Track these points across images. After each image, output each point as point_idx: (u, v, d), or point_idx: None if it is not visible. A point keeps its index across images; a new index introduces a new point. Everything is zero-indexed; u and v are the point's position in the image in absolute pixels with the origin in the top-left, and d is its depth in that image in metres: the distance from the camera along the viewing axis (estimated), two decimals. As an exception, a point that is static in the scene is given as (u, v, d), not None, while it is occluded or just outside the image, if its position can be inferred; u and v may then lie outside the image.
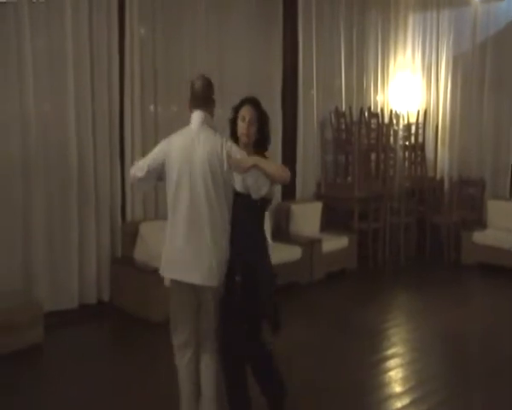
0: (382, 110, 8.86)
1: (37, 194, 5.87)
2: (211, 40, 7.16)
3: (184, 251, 3.53)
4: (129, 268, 6.35)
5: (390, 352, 5.53)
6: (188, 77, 6.75)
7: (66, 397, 4.55)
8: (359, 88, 8.94)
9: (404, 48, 9.51)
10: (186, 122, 6.88)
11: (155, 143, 6.54)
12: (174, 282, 3.65)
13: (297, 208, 7.85)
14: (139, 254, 6.37)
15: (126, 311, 6.22)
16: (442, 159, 9.14)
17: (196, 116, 3.62)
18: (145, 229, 6.42)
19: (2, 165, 5.68)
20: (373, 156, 8.50)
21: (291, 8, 7.98)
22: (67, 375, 4.98)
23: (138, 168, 3.69)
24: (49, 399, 4.57)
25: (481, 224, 8.46)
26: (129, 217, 6.63)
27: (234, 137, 3.64)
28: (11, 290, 5.64)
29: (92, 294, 6.31)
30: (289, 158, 8.05)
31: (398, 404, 4.44)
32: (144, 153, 6.55)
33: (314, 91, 8.32)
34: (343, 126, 8.46)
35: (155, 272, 5.83)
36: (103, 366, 5.20)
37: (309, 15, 8.17)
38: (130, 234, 6.47)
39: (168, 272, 3.71)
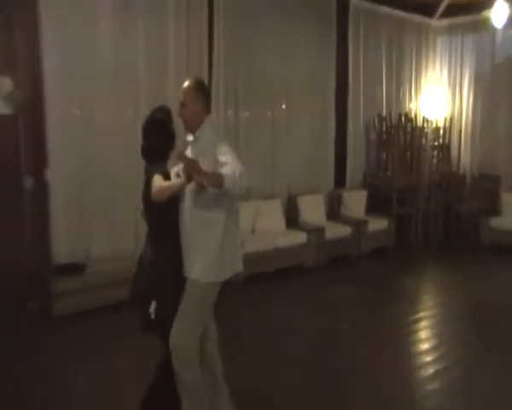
0: (416, 116, 8.95)
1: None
2: (280, 54, 7.31)
3: (239, 251, 3.22)
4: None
5: (422, 314, 5.63)
6: (263, 84, 7.15)
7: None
8: (397, 97, 9.00)
9: (434, 66, 9.54)
10: (263, 125, 7.25)
11: (235, 140, 6.98)
12: (219, 284, 3.10)
13: (347, 195, 8.05)
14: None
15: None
16: (464, 157, 9.13)
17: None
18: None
19: (124, 155, 5.86)
20: (408, 154, 8.64)
21: (343, 30, 8.10)
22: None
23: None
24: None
25: (497, 212, 8.46)
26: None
27: None
28: (126, 253, 5.86)
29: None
30: (341, 154, 8.26)
31: (426, 359, 4.53)
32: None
33: (361, 99, 8.46)
34: (384, 129, 8.58)
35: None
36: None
37: (357, 36, 8.29)
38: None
39: (225, 275, 3.09)
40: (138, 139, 5.81)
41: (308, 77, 7.70)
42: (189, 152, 3.12)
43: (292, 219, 7.30)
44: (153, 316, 2.98)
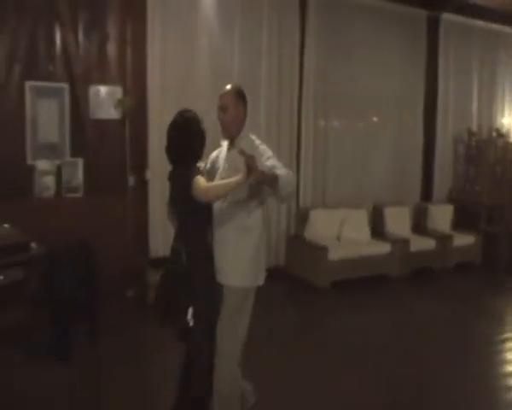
0: (508, 131, 8.60)
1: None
2: (370, 67, 7.31)
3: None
4: (300, 243, 6.70)
5: (510, 335, 5.35)
6: (353, 96, 7.11)
7: (253, 332, 4.88)
8: (488, 112, 8.72)
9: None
10: (351, 136, 7.19)
11: (324, 149, 7.00)
12: (254, 289, 3.08)
13: (433, 208, 7.85)
14: (308, 233, 6.69)
15: (297, 276, 6.58)
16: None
17: None
18: (315, 214, 6.74)
19: None
20: (498, 170, 8.25)
21: (433, 44, 7.96)
22: (254, 316, 5.35)
23: None
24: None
25: None
26: (301, 204, 6.94)
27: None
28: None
29: (272, 260, 6.71)
30: (428, 167, 8.06)
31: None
32: (315, 157, 6.95)
33: (450, 113, 8.24)
34: (473, 143, 8.30)
35: (322, 248, 6.22)
36: (278, 313, 5.57)
37: (447, 50, 8.11)
38: (302, 217, 6.81)
39: (260, 281, 3.09)
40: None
41: (397, 90, 7.70)
42: (222, 158, 3.05)
43: (377, 229, 7.21)
44: (191, 323, 2.86)
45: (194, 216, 2.89)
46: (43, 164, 5.38)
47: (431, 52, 7.96)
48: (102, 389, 3.84)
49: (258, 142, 3.01)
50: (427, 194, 8.06)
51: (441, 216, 7.84)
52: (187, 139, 2.91)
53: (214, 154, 3.18)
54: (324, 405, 3.73)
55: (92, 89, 5.51)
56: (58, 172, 5.43)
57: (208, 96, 6.03)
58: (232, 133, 3.00)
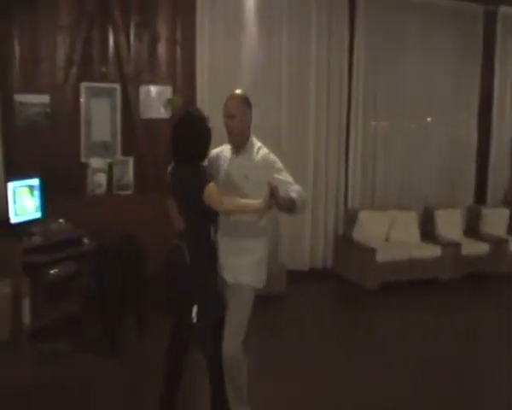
0: None
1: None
2: (421, 68, 7.13)
3: None
4: (348, 245, 6.62)
5: None
6: (403, 95, 6.97)
7: (302, 333, 4.95)
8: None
9: None
10: (401, 136, 7.05)
11: (373, 150, 6.90)
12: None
13: (487, 211, 7.56)
14: (357, 234, 6.60)
15: (344, 277, 6.51)
16: None
17: None
18: (363, 216, 6.65)
19: None
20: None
21: (489, 40, 7.67)
22: (302, 317, 5.37)
23: None
24: (290, 333, 4.98)
25: None
26: (350, 205, 6.86)
27: None
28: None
29: (319, 261, 6.69)
30: (482, 168, 7.80)
31: None
32: (363, 157, 6.86)
33: (507, 113, 7.93)
34: (532, 145, 7.96)
35: (370, 250, 6.13)
36: (326, 315, 5.57)
37: (505, 47, 7.77)
38: (351, 218, 6.73)
39: (265, 282, 3.20)
40: (279, 143, 6.16)
41: (451, 89, 7.47)
42: (225, 161, 3.04)
43: (427, 231, 7.04)
44: (195, 320, 2.89)
45: (200, 217, 2.92)
46: (96, 162, 5.54)
47: (487, 49, 7.67)
48: (149, 379, 3.91)
49: (265, 150, 3.03)
50: (480, 196, 7.78)
51: (496, 220, 7.55)
52: (194, 137, 2.89)
53: (214, 152, 3.14)
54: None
55: (143, 89, 5.64)
56: (110, 170, 5.57)
57: (256, 96, 6.06)
58: (239, 140, 3.01)
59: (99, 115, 5.54)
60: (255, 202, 2.72)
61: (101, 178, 5.57)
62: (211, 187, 2.79)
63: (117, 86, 5.57)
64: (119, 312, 4.39)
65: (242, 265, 2.99)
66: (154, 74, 5.69)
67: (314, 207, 6.58)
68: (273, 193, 2.59)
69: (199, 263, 2.93)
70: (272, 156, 3.01)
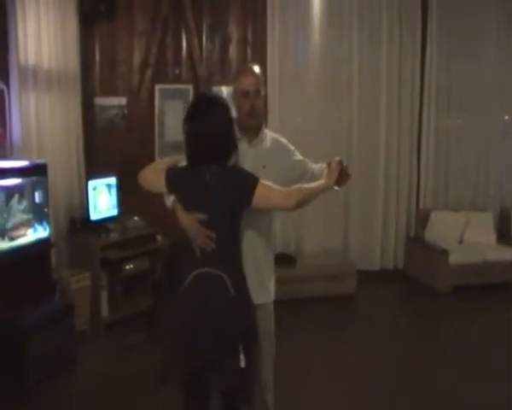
0: None
1: (355, 180, 6.25)
2: (495, 63, 6.71)
3: None
4: (420, 246, 6.44)
5: None
6: (478, 91, 6.66)
7: (374, 334, 4.87)
8: None
9: None
10: (476, 134, 6.74)
11: (446, 148, 6.65)
12: None
13: None
14: (429, 235, 6.41)
15: (415, 279, 6.34)
16: None
17: None
18: (436, 216, 6.45)
19: (334, 157, 6.08)
20: None
21: None
22: (373, 319, 5.29)
23: None
24: (362, 335, 4.88)
25: None
26: (421, 205, 6.67)
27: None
28: (334, 250, 6.13)
29: (390, 261, 6.55)
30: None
31: None
32: (436, 156, 6.63)
33: None
34: None
35: (443, 251, 5.94)
36: (396, 317, 5.42)
37: None
38: (422, 218, 6.54)
39: None
40: (350, 143, 6.09)
41: (502, 82, 6.90)
42: (243, 157, 2.50)
43: (504, 233, 6.72)
44: (243, 363, 2.26)
45: (238, 231, 2.36)
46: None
47: None
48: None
49: (270, 132, 2.68)
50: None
51: None
52: (230, 128, 2.33)
53: None
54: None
55: (215, 89, 5.74)
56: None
57: (326, 96, 6.10)
58: (260, 122, 2.60)
59: (172, 116, 5.70)
60: (319, 182, 2.35)
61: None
62: (263, 183, 2.25)
63: (190, 87, 5.71)
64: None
65: (264, 279, 2.59)
66: (225, 75, 5.76)
67: (385, 207, 6.45)
68: (344, 169, 2.30)
69: (244, 292, 2.35)
70: (281, 138, 2.71)
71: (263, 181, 2.27)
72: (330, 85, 6.03)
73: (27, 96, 4.44)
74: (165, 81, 5.63)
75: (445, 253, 5.98)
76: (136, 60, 5.50)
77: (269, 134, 2.64)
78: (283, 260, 5.74)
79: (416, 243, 6.52)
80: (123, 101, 5.51)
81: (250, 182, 2.27)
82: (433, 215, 6.46)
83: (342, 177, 2.30)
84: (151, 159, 5.60)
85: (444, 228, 6.40)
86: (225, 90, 5.76)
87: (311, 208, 5.78)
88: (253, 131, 2.56)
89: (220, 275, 2.26)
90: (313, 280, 5.63)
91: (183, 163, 2.39)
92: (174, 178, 2.37)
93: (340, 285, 5.71)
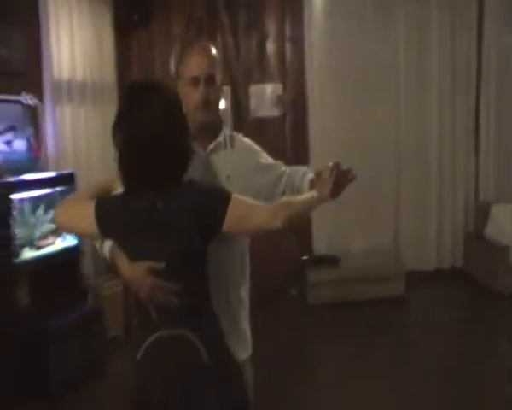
0: None
1: (405, 175, 5.94)
2: None
3: None
4: (480, 242, 5.99)
5: None
6: None
7: (422, 340, 4.57)
8: None
9: None
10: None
11: (507, 138, 6.09)
12: None
13: None
14: (490, 231, 5.94)
15: (474, 278, 5.90)
16: None
17: None
18: (497, 210, 5.97)
19: (381, 151, 5.85)
20: None
21: None
22: (424, 322, 4.98)
23: None
24: (414, 340, 4.61)
25: None
26: (481, 198, 6.20)
27: None
28: (383, 250, 5.85)
29: (447, 260, 6.14)
30: None
31: None
32: (497, 146, 6.08)
33: None
34: None
35: (504, 248, 5.49)
36: (450, 320, 5.08)
37: None
38: (482, 213, 6.07)
39: None
40: (396, 137, 5.76)
41: None
42: (199, 167, 1.92)
43: None
44: None
45: (204, 273, 1.76)
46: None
47: None
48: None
49: (229, 131, 2.16)
50: None
51: None
52: (181, 125, 1.72)
53: None
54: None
55: (252, 88, 5.65)
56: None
57: (369, 89, 5.79)
58: (216, 118, 2.05)
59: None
60: (311, 194, 1.77)
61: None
62: (238, 199, 1.69)
63: (227, 87, 5.64)
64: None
65: (242, 328, 2.09)
66: (263, 73, 5.65)
67: (440, 200, 6.03)
68: (339, 172, 1.70)
69: (224, 355, 1.76)
70: (244, 137, 2.18)
71: (236, 196, 1.70)
72: (376, 76, 5.72)
73: (62, 110, 4.53)
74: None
75: (507, 250, 5.52)
76: (172, 65, 5.51)
77: (228, 134, 2.09)
78: (326, 261, 5.59)
79: (476, 239, 6.07)
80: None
81: (219, 199, 1.68)
82: (494, 209, 5.97)
83: (339, 185, 1.71)
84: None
85: (507, 223, 5.90)
86: (263, 88, 5.67)
87: (356, 204, 5.69)
88: (209, 133, 2.00)
89: (187, 337, 1.67)
90: (358, 282, 5.40)
91: (119, 189, 1.75)
92: (108, 214, 1.70)
93: (388, 287, 5.43)
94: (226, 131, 2.09)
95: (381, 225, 5.95)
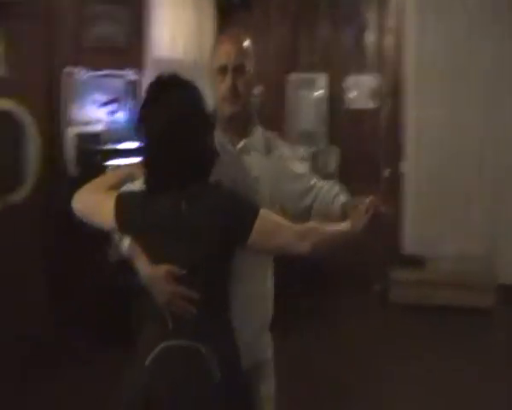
0: None
1: (508, 178, 5.47)
2: None
3: None
4: None
5: None
6: None
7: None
8: None
9: None
10: None
11: None
12: None
13: None
14: None
15: None
16: None
17: None
18: None
19: (480, 150, 5.49)
20: None
21: None
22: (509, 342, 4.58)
23: None
24: (495, 359, 4.20)
25: None
26: None
27: None
28: (475, 257, 5.48)
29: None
30: None
31: None
32: None
33: None
34: None
35: None
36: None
37: None
38: None
39: None
40: (495, 135, 5.33)
41: None
42: (227, 165, 1.78)
43: None
44: None
45: (225, 283, 1.68)
46: (303, 150, 5.67)
47: None
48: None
49: (268, 132, 2.00)
50: None
51: None
52: (206, 123, 1.67)
53: None
54: None
55: (349, 78, 5.56)
56: (314, 159, 5.65)
57: (469, 86, 5.44)
58: (246, 113, 1.89)
59: (304, 105, 5.66)
60: (344, 226, 1.65)
61: (305, 166, 5.69)
62: (266, 214, 1.61)
63: (323, 76, 5.60)
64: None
65: (258, 331, 1.92)
66: (360, 64, 5.54)
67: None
68: (376, 212, 1.60)
69: (237, 376, 1.64)
70: (278, 138, 2.02)
71: (265, 211, 1.62)
72: (476, 70, 5.36)
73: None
74: (299, 70, 5.63)
75: None
76: (271, 50, 5.57)
77: (263, 134, 1.95)
78: (412, 260, 5.40)
79: None
80: (256, 90, 5.62)
81: (248, 211, 1.60)
82: None
83: (374, 222, 1.60)
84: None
85: None
86: (360, 79, 5.56)
87: (450, 203, 5.36)
88: (239, 127, 1.87)
89: (199, 351, 1.56)
90: (444, 286, 5.12)
91: (140, 179, 1.70)
92: (129, 211, 1.64)
93: (476, 297, 5.06)
94: (260, 129, 1.95)
95: (476, 230, 5.56)
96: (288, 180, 1.91)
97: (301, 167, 2.01)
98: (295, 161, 2.01)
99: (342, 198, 1.83)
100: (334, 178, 5.44)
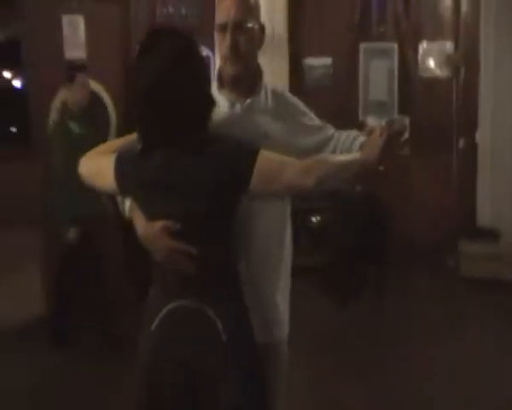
0: None
1: None
2: None
3: None
4: None
5: None
6: None
7: None
8: None
9: None
10: None
11: None
12: None
13: None
14: None
15: None
16: None
17: None
18: None
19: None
20: None
21: None
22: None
23: None
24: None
25: None
26: None
27: None
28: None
29: None
30: None
31: None
32: None
33: None
34: None
35: None
36: None
37: None
38: None
39: None
40: None
41: None
42: (233, 125, 1.70)
43: None
44: None
45: (229, 238, 1.61)
46: (372, 120, 5.55)
47: None
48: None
49: (270, 86, 1.86)
50: None
51: None
52: (202, 69, 1.60)
53: None
54: None
55: (421, 46, 5.42)
56: (386, 129, 5.60)
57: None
58: (249, 71, 1.77)
59: (377, 74, 5.60)
60: (353, 154, 1.62)
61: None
62: (267, 154, 1.52)
63: (394, 45, 5.50)
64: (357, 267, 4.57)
65: (276, 305, 1.83)
66: (433, 30, 5.37)
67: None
68: (392, 133, 1.48)
69: (244, 336, 1.60)
70: (288, 94, 1.90)
71: (264, 151, 1.52)
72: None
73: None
74: (370, 40, 5.54)
75: None
76: (342, 19, 5.54)
77: (270, 89, 1.83)
78: (486, 233, 5.26)
79: None
80: (328, 61, 5.64)
81: (246, 153, 1.52)
82: None
83: (390, 148, 1.47)
84: (355, 118, 5.64)
85: None
86: (433, 47, 5.41)
87: None
88: (245, 87, 1.76)
89: (204, 311, 1.53)
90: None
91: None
92: (126, 171, 1.60)
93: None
94: (267, 85, 1.83)
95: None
96: (302, 133, 1.81)
97: (316, 120, 1.87)
98: (308, 114, 1.87)
99: (361, 138, 1.73)
100: (406, 149, 5.44)
